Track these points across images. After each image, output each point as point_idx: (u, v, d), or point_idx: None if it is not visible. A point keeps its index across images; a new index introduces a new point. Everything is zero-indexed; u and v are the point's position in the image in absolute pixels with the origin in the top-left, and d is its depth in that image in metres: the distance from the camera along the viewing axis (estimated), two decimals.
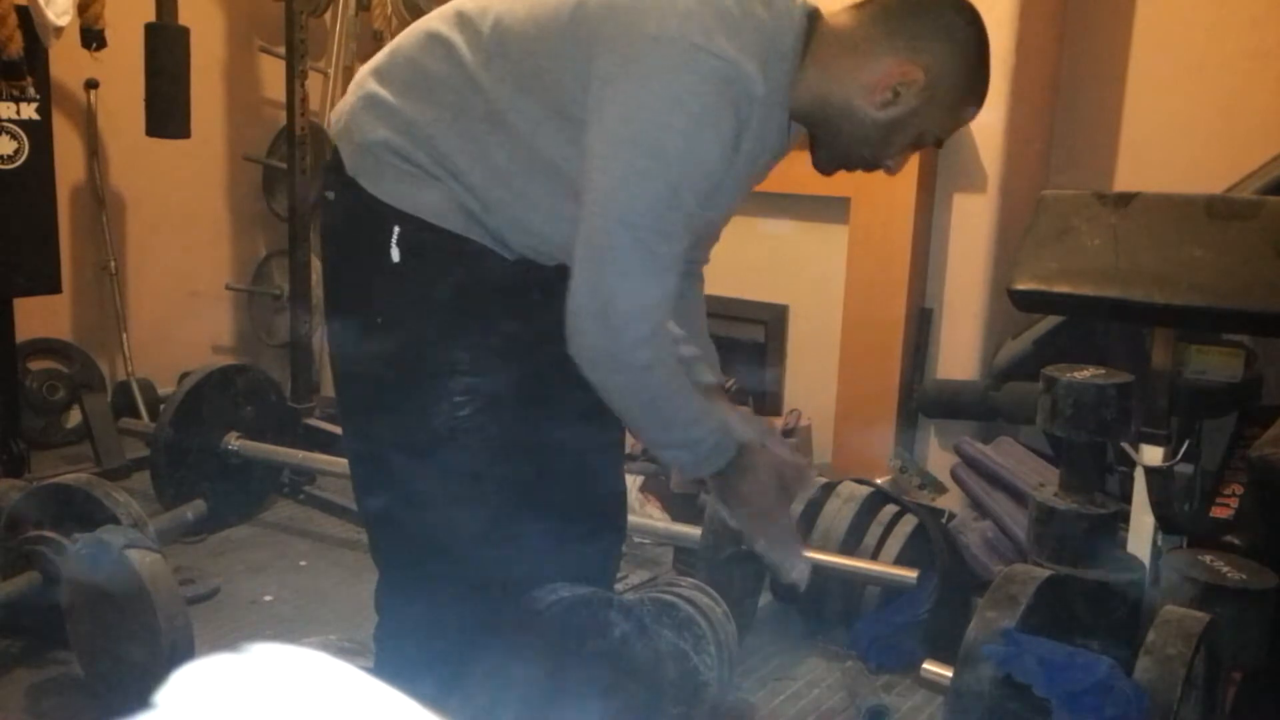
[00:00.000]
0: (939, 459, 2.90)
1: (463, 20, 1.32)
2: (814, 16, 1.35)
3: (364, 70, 1.40)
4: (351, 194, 1.34)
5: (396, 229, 1.32)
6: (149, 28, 3.08)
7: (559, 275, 1.29)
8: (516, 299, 1.38)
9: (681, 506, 2.73)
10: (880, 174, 2.73)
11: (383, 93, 1.33)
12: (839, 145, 1.40)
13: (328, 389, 3.89)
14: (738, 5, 1.25)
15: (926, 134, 1.41)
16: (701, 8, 1.22)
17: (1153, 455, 1.97)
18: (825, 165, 1.44)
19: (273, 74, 3.83)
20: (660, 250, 1.22)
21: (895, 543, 2.32)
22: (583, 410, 1.44)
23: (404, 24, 3.80)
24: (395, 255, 1.32)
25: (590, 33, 1.23)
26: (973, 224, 2.83)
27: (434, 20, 1.36)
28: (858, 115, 1.34)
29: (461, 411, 1.34)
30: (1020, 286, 2.00)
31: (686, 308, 1.62)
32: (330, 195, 1.40)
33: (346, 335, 1.42)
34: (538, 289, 1.38)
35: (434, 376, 1.34)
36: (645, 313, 1.23)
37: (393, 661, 1.49)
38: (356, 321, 1.39)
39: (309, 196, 3.39)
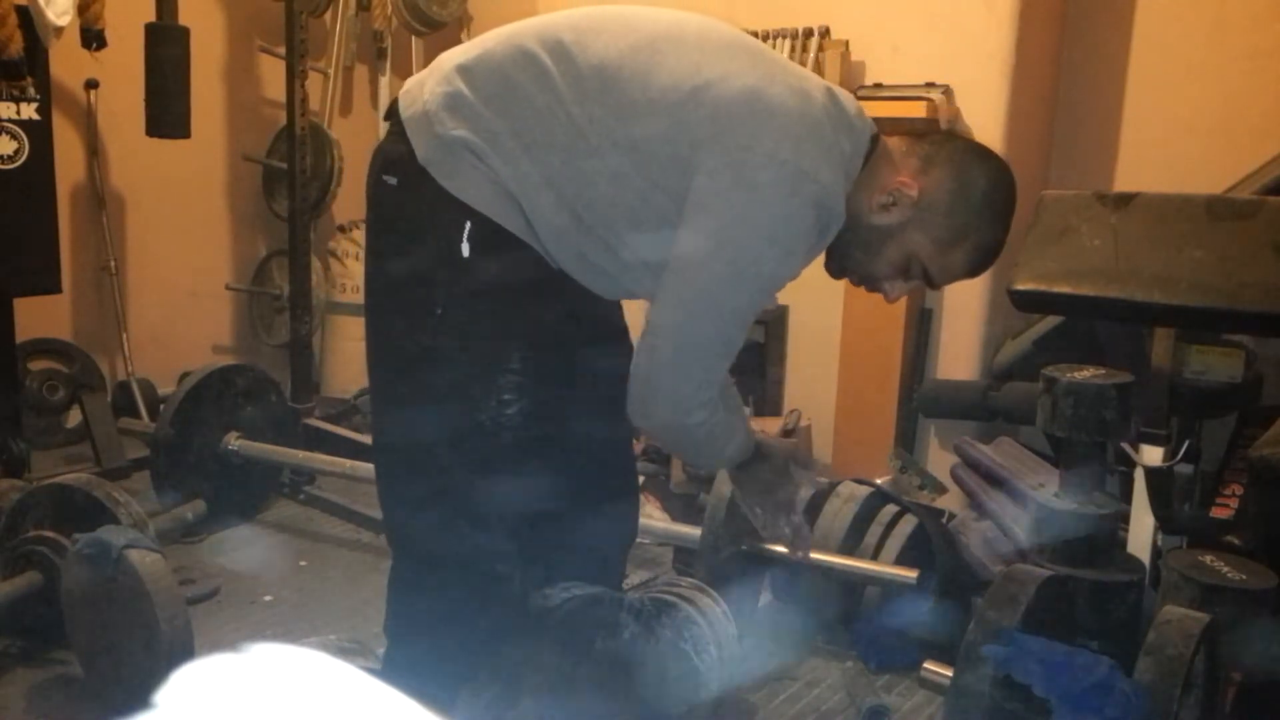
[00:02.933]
0: (939, 459, 2.89)
1: (560, 50, 1.32)
2: (876, 139, 1.45)
3: (449, 63, 1.37)
4: (422, 183, 1.33)
5: (469, 224, 1.32)
6: (149, 28, 3.08)
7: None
8: (565, 305, 1.44)
9: (681, 506, 2.73)
10: None
11: (469, 94, 1.33)
12: (840, 244, 1.45)
13: (328, 389, 3.89)
14: (833, 134, 1.35)
15: (915, 260, 1.45)
16: (811, 136, 1.32)
17: (1153, 455, 1.97)
18: (832, 267, 1.52)
19: (273, 74, 3.83)
20: (735, 338, 1.38)
21: (895, 543, 2.32)
22: (604, 409, 1.51)
23: (404, 24, 3.81)
24: (465, 250, 1.32)
25: (706, 123, 1.29)
26: None
27: (528, 37, 1.35)
28: (858, 216, 1.42)
29: (509, 410, 1.37)
30: (1020, 286, 2.00)
31: None
32: (392, 181, 1.37)
33: (397, 322, 1.41)
34: (582, 298, 1.46)
35: (486, 372, 1.37)
36: (707, 397, 1.39)
37: (404, 655, 1.50)
38: (413, 310, 1.37)
39: (309, 196, 3.39)
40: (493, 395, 1.36)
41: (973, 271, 1.51)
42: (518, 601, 1.49)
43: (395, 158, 1.36)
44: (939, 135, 1.52)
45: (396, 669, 1.49)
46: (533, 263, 1.37)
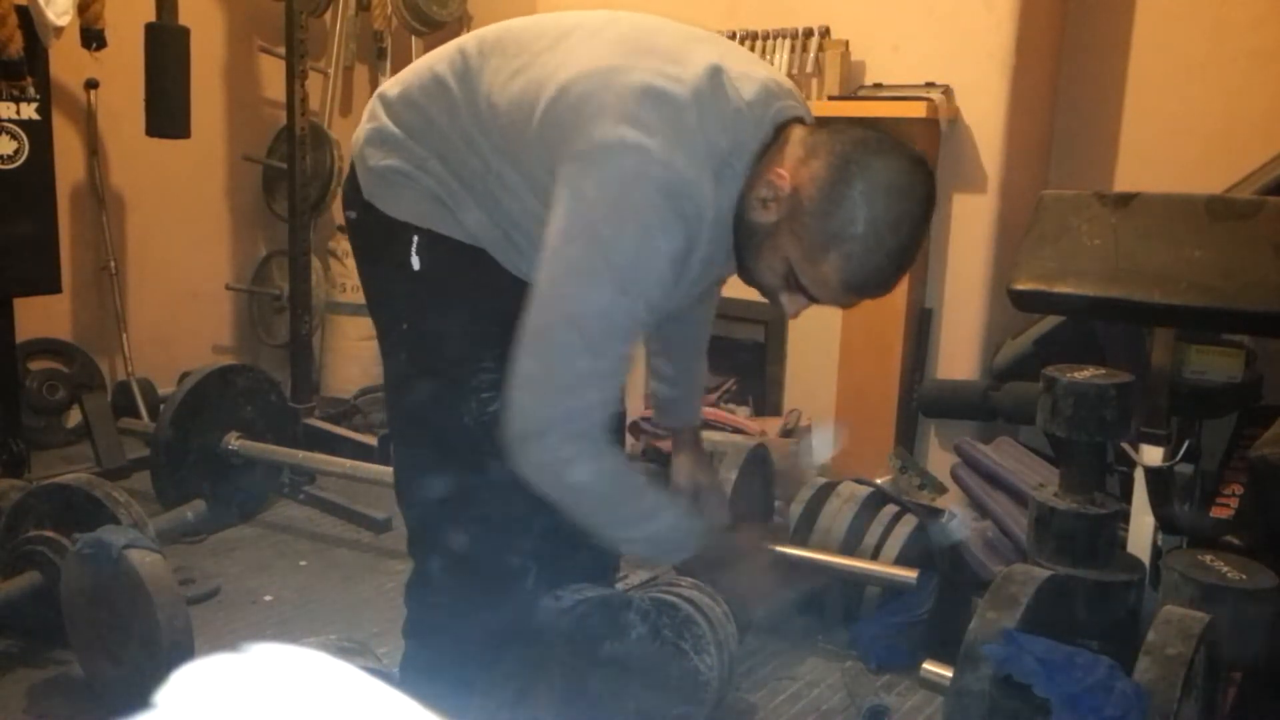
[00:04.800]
0: (939, 459, 2.89)
1: (465, 74, 1.34)
2: (784, 127, 1.29)
3: (376, 99, 1.44)
4: (370, 215, 1.41)
5: (415, 238, 1.37)
6: (149, 28, 3.08)
7: None
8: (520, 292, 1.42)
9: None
10: None
11: (391, 127, 1.38)
12: (736, 247, 1.32)
13: (328, 389, 3.90)
14: (699, 125, 1.22)
15: (792, 268, 1.25)
16: (666, 122, 1.20)
17: (1153, 455, 1.97)
18: (741, 274, 1.37)
19: (273, 74, 3.83)
20: (607, 351, 1.23)
21: (895, 543, 2.32)
22: None
23: (404, 24, 3.81)
24: (416, 263, 1.38)
25: (556, 133, 1.24)
26: (973, 224, 2.83)
27: (442, 61, 1.38)
28: (742, 214, 1.28)
29: (491, 407, 1.37)
30: (1020, 286, 2.00)
31: (691, 326, 1.69)
32: (352, 215, 1.46)
33: (384, 347, 1.49)
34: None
35: (460, 375, 1.39)
36: (588, 413, 1.25)
37: (424, 655, 1.52)
38: (389, 332, 1.46)
39: (309, 196, 3.39)
40: (470, 396, 1.38)
41: (850, 289, 1.24)
42: (532, 598, 1.50)
43: (350, 193, 1.45)
44: (844, 123, 1.28)
45: (416, 669, 1.52)
46: (485, 261, 1.38)
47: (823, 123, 1.31)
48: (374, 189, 1.40)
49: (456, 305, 1.39)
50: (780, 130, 1.28)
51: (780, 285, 1.29)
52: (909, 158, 1.23)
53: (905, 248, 1.21)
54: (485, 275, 1.38)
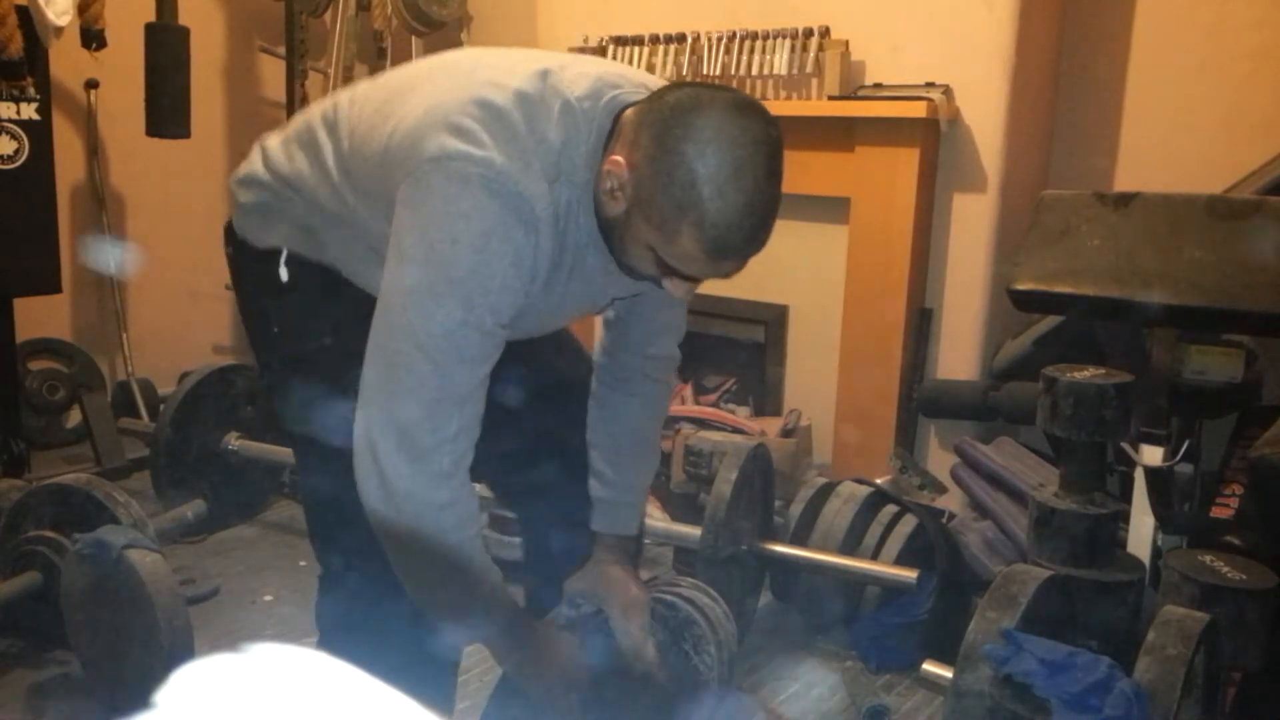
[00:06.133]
0: (939, 459, 2.90)
1: (335, 124, 1.35)
2: (620, 114, 1.24)
3: (256, 146, 1.46)
4: (243, 250, 1.45)
5: (284, 254, 1.40)
6: (149, 28, 3.08)
7: None
8: None
9: (681, 506, 2.73)
10: (880, 173, 2.76)
11: (261, 171, 1.42)
12: (608, 246, 1.27)
13: None
14: (526, 125, 1.19)
15: (656, 252, 1.20)
16: (485, 128, 1.17)
17: (1153, 455, 1.97)
18: (625, 272, 1.30)
19: (273, 74, 3.83)
20: (457, 374, 1.18)
21: (895, 543, 2.32)
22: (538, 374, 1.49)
23: (404, 24, 3.81)
24: (284, 275, 1.40)
25: (396, 161, 1.23)
26: (973, 224, 2.83)
27: (317, 114, 1.40)
28: (599, 210, 1.24)
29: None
30: (1020, 286, 2.00)
31: (632, 412, 1.53)
32: (229, 251, 1.51)
33: (260, 360, 1.52)
34: None
35: (335, 373, 1.35)
36: (444, 444, 1.18)
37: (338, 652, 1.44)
38: (262, 341, 1.49)
39: None
40: (350, 389, 1.32)
41: (716, 254, 1.17)
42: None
43: (226, 230, 1.50)
44: (663, 88, 1.21)
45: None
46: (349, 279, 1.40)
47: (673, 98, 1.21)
48: (243, 223, 1.45)
49: (325, 305, 1.39)
50: (618, 119, 1.23)
51: (656, 272, 1.23)
52: (731, 105, 1.15)
53: (754, 197, 1.14)
54: (354, 285, 1.39)
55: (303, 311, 1.42)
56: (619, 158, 1.18)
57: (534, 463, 1.58)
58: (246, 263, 1.46)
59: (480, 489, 1.35)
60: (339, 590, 1.45)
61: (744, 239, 1.16)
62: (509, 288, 1.18)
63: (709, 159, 1.12)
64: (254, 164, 1.44)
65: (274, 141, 1.44)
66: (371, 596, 1.37)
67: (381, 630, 1.35)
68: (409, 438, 1.18)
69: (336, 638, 1.44)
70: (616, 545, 1.53)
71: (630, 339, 1.51)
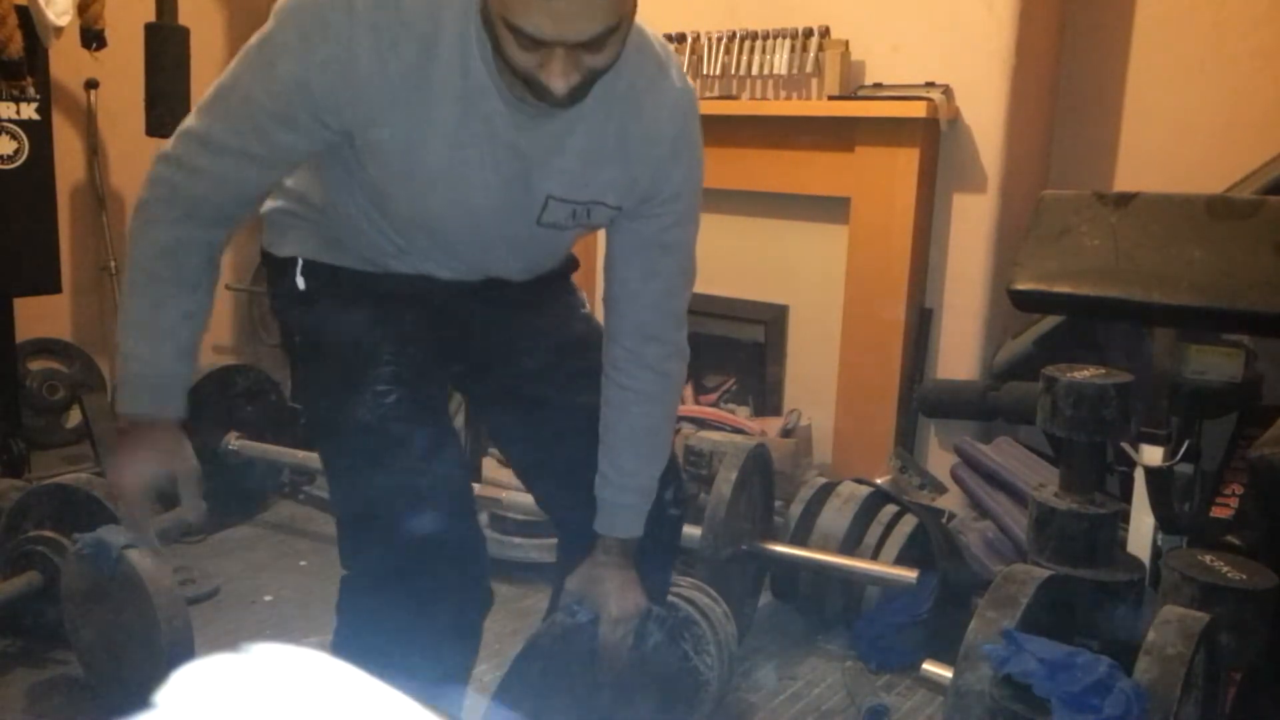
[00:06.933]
0: (939, 459, 2.90)
1: None
2: None
3: None
4: (269, 260, 1.49)
5: (300, 263, 1.44)
6: (149, 28, 3.08)
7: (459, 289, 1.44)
8: (420, 301, 1.44)
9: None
10: (880, 173, 2.76)
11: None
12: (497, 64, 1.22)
13: None
14: None
15: (506, 21, 1.12)
16: None
17: (1153, 455, 1.97)
18: (514, 90, 1.23)
19: None
20: (228, 127, 1.24)
21: (895, 543, 2.32)
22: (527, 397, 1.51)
23: None
24: (301, 283, 1.43)
25: None
26: (973, 224, 2.83)
27: None
28: (481, 15, 1.19)
29: (388, 399, 1.36)
30: (1020, 286, 2.00)
31: (640, 403, 1.47)
32: (264, 269, 1.55)
33: (291, 366, 1.58)
34: (440, 297, 1.45)
35: (354, 375, 1.37)
36: (163, 180, 1.29)
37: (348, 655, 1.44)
38: (290, 350, 1.53)
39: None
40: (367, 390, 1.35)
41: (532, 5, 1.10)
42: (456, 587, 1.40)
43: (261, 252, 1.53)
44: None
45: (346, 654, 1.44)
46: (369, 276, 1.42)
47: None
48: (266, 237, 1.49)
49: (343, 310, 1.42)
50: None
51: (527, 57, 1.14)
52: None
53: None
54: (367, 284, 1.42)
55: (325, 315, 1.44)
56: None
57: (556, 445, 1.56)
58: (270, 269, 1.51)
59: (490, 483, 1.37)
60: (365, 597, 1.41)
61: None
62: (315, 90, 1.19)
63: None
64: None
65: None
66: (396, 604, 1.36)
67: (401, 624, 1.35)
68: (151, 173, 1.29)
69: (358, 626, 1.42)
70: (616, 547, 1.49)
71: (624, 319, 1.44)
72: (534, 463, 1.61)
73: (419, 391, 1.39)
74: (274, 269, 1.49)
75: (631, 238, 1.40)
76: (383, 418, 1.35)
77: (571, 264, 1.62)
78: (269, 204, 1.47)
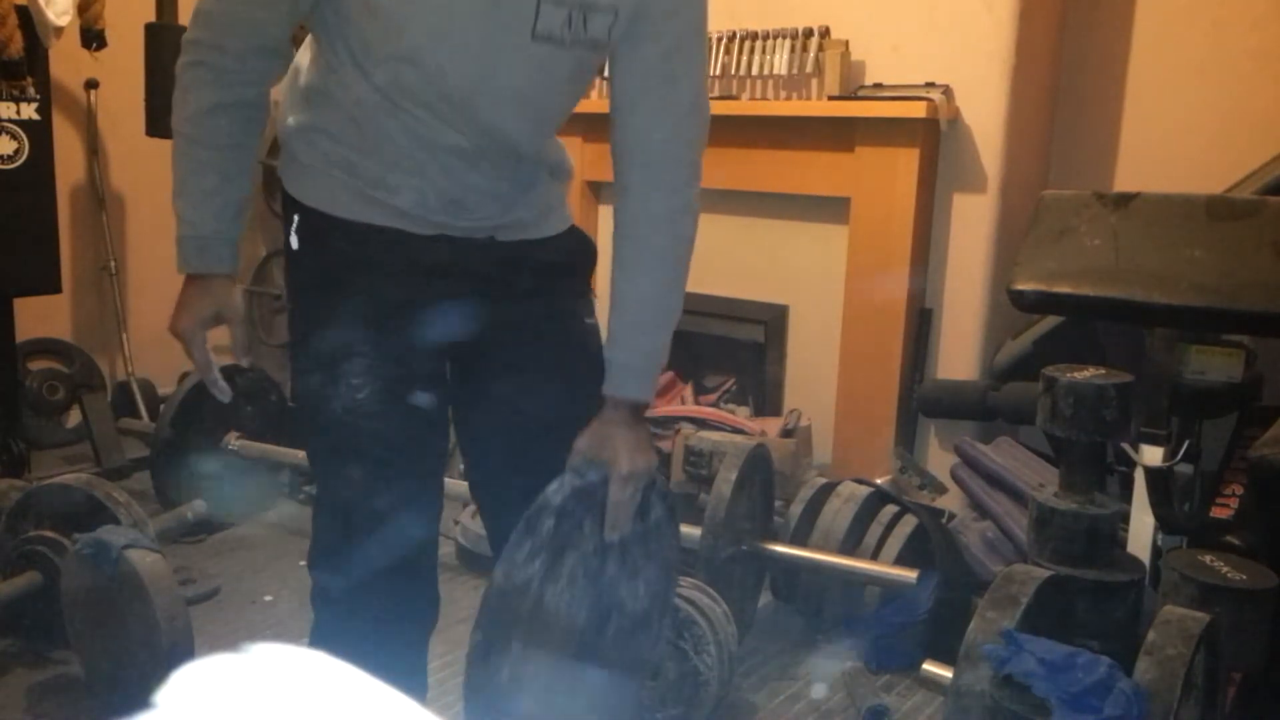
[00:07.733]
0: (939, 459, 2.90)
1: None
2: None
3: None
4: (281, 193, 1.44)
5: (296, 218, 1.39)
6: (149, 28, 3.09)
7: (475, 252, 1.36)
8: (420, 279, 1.37)
9: (681, 506, 2.73)
10: (880, 173, 2.75)
11: (288, 100, 1.41)
12: None
13: None
14: None
15: None
16: None
17: (1153, 455, 1.97)
18: None
19: None
20: (205, 5, 1.28)
21: (895, 543, 2.32)
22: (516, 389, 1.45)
23: None
24: (294, 242, 1.40)
25: None
26: (973, 224, 2.83)
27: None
28: None
29: (359, 394, 1.33)
30: (1020, 286, 2.00)
31: (645, 256, 1.42)
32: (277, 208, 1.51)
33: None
34: (447, 268, 1.37)
35: (331, 362, 1.35)
36: (187, 45, 1.29)
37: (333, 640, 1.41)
38: (287, 312, 1.49)
39: None
40: (341, 381, 1.34)
41: None
42: (425, 583, 1.41)
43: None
44: None
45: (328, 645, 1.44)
46: (357, 238, 1.36)
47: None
48: (281, 163, 1.44)
49: (326, 285, 1.39)
50: None
51: None
52: None
53: None
54: (357, 251, 1.36)
55: (309, 289, 1.42)
56: None
57: (511, 457, 1.51)
58: (283, 208, 1.46)
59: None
60: (324, 609, 1.42)
61: None
62: None
63: None
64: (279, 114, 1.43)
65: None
66: (368, 606, 1.36)
67: (364, 617, 1.35)
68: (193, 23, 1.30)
69: (334, 627, 1.42)
70: (626, 405, 1.43)
71: (632, 167, 1.38)
72: (484, 473, 1.55)
73: (395, 386, 1.35)
74: (284, 206, 1.45)
75: (636, 66, 1.33)
76: (352, 411, 1.33)
77: (589, 254, 1.54)
78: (288, 121, 1.39)
